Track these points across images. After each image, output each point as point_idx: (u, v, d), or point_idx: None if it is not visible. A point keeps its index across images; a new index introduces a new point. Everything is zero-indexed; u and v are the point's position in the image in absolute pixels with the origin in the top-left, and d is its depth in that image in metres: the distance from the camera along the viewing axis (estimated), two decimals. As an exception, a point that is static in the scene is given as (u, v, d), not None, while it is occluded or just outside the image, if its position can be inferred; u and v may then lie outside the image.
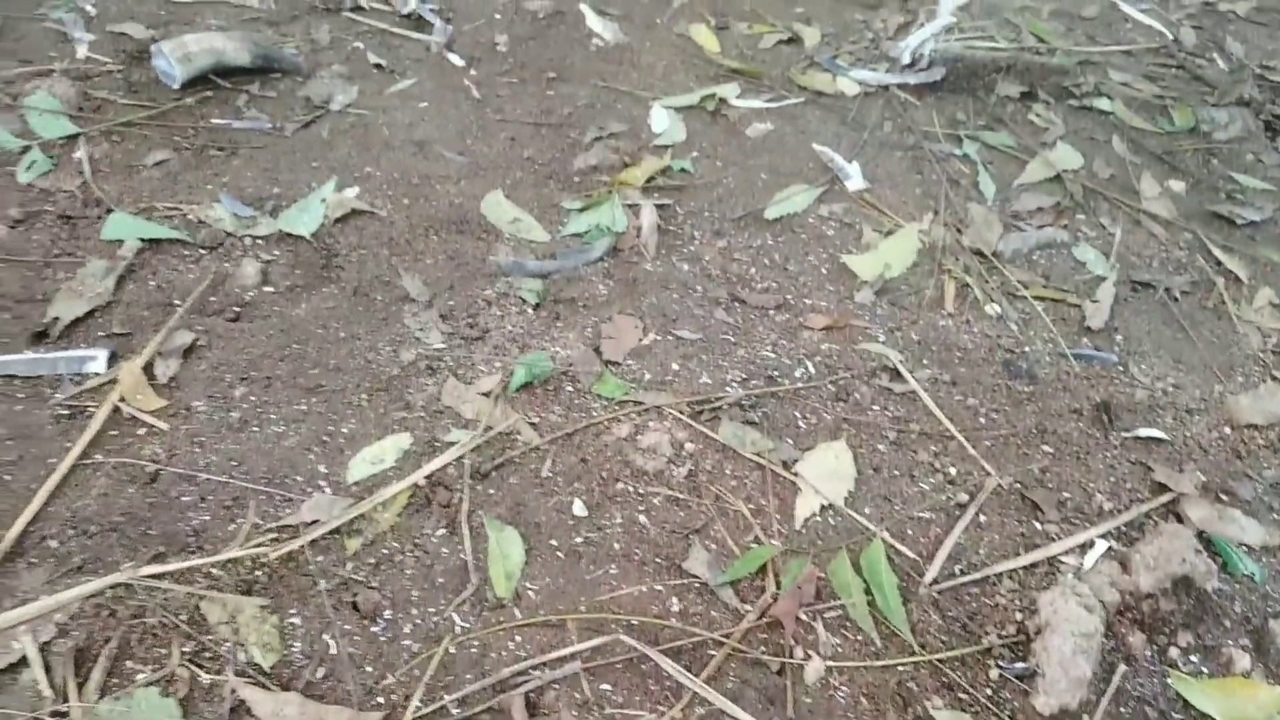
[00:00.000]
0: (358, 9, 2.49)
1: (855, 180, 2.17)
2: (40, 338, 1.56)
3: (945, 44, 2.63)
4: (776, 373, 1.69)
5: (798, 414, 1.63)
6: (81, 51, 2.18)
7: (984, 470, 1.57)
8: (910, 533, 1.46)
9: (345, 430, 1.50)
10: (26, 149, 1.91)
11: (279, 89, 2.19)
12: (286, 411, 1.51)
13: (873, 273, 1.94)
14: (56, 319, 1.58)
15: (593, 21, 2.58)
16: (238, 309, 1.66)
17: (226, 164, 1.97)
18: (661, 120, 2.28)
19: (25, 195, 1.83)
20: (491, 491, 1.43)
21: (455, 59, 2.39)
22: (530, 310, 1.75)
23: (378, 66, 2.31)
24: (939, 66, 2.52)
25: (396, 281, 1.77)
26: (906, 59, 2.57)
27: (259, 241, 1.80)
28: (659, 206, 2.01)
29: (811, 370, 1.71)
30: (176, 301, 1.66)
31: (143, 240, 1.74)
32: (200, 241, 1.77)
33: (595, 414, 1.56)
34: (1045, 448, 1.63)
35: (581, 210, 1.99)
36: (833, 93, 2.47)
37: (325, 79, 2.23)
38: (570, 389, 1.61)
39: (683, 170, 2.14)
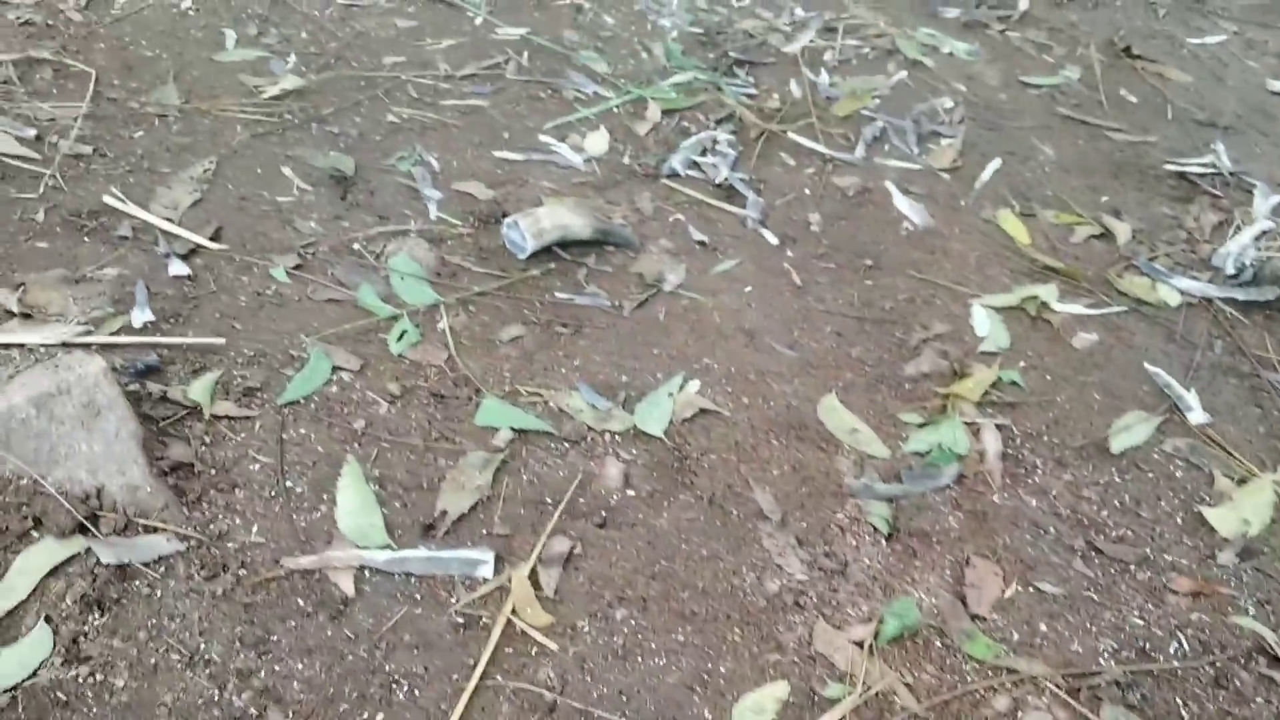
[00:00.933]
0: (674, 176, 2.55)
1: (1196, 413, 2.07)
2: (429, 530, 1.62)
3: (1268, 254, 2.51)
4: (1149, 645, 1.60)
5: (1179, 700, 1.53)
6: (433, 211, 2.30)
7: (1396, 797, 1.44)
8: None
9: (723, 669, 1.49)
10: (396, 317, 2.01)
11: (614, 263, 2.25)
12: (664, 640, 1.51)
13: (1232, 530, 1.83)
14: (445, 513, 1.64)
15: (899, 202, 2.57)
16: (604, 513, 1.69)
17: (574, 344, 2.03)
18: (983, 322, 2.23)
19: (399, 368, 1.92)
20: (878, 763, 1.39)
21: (770, 236, 2.41)
22: (883, 541, 1.72)
23: (701, 243, 2.35)
24: (1267, 284, 2.40)
25: (748, 493, 1.77)
26: (1230, 269, 2.46)
27: (616, 438, 1.83)
28: (997, 427, 1.96)
29: (1185, 646, 1.61)
30: (548, 500, 1.70)
31: (513, 429, 1.80)
32: (565, 435, 1.81)
33: (970, 679, 1.51)
34: None
35: (921, 426, 1.95)
36: (1154, 302, 2.38)
37: (654, 254, 2.29)
38: (939, 644, 1.56)
39: (1013, 383, 2.09)
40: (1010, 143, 2.94)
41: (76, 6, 2.85)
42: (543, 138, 2.63)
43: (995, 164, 2.80)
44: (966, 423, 1.97)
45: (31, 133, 2.32)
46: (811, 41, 3.28)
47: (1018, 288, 2.36)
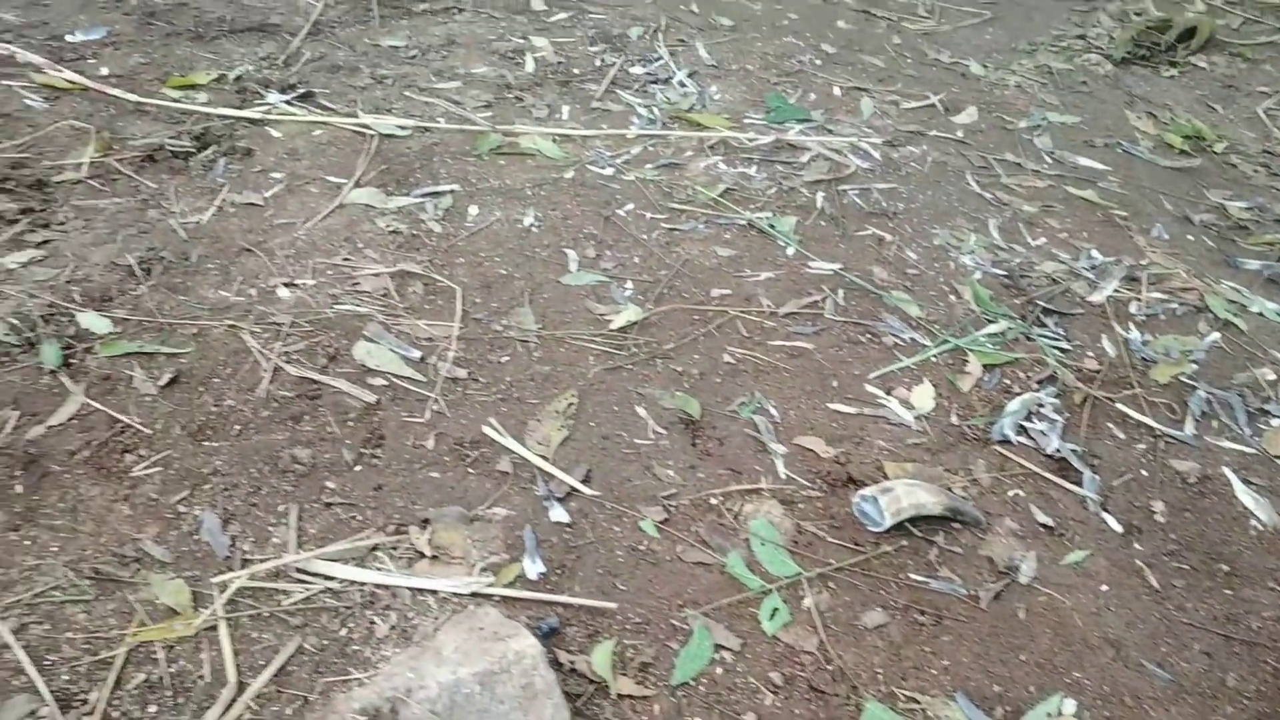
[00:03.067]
0: (1005, 442, 2.55)
1: None
2: None
3: None
4: None
5: None
6: (780, 468, 2.36)
7: None
8: None
9: None
10: (766, 591, 2.05)
11: (962, 544, 2.25)
12: None
13: None
14: (848, 838, 1.63)
15: (1242, 494, 2.49)
16: None
17: (937, 638, 2.02)
18: (1363, 656, 2.10)
19: (774, 650, 1.95)
20: None
21: (1113, 522, 2.37)
22: None
23: (1046, 527, 2.32)
24: None
25: None
26: None
27: (1003, 763, 1.79)
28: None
29: None
30: (944, 833, 1.67)
31: (900, 742, 1.79)
32: (952, 755, 1.79)
33: None
34: None
35: (1322, 786, 1.84)
36: None
37: (1002, 537, 2.27)
38: None
39: None
40: (1345, 427, 2.81)
41: (435, 217, 3.13)
42: (869, 388, 2.68)
43: (1336, 454, 2.68)
44: (1371, 788, 1.84)
45: (417, 354, 2.53)
46: (1116, 291, 3.26)
47: (1391, 615, 2.22)
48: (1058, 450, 2.56)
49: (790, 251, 3.22)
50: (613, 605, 1.97)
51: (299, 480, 2.16)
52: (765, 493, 2.30)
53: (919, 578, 2.15)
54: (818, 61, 4.78)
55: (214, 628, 1.83)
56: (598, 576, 2.05)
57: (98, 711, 1.67)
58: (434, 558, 2.02)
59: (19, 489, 2.05)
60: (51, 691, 1.69)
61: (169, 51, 4.03)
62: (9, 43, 3.86)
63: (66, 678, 1.72)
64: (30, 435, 2.18)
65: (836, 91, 4.47)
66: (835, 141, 3.96)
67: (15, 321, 2.46)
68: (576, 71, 4.31)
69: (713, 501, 2.27)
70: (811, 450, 2.45)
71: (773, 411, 2.55)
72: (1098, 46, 5.57)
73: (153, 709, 1.69)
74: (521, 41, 4.52)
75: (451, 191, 3.28)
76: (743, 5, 5.37)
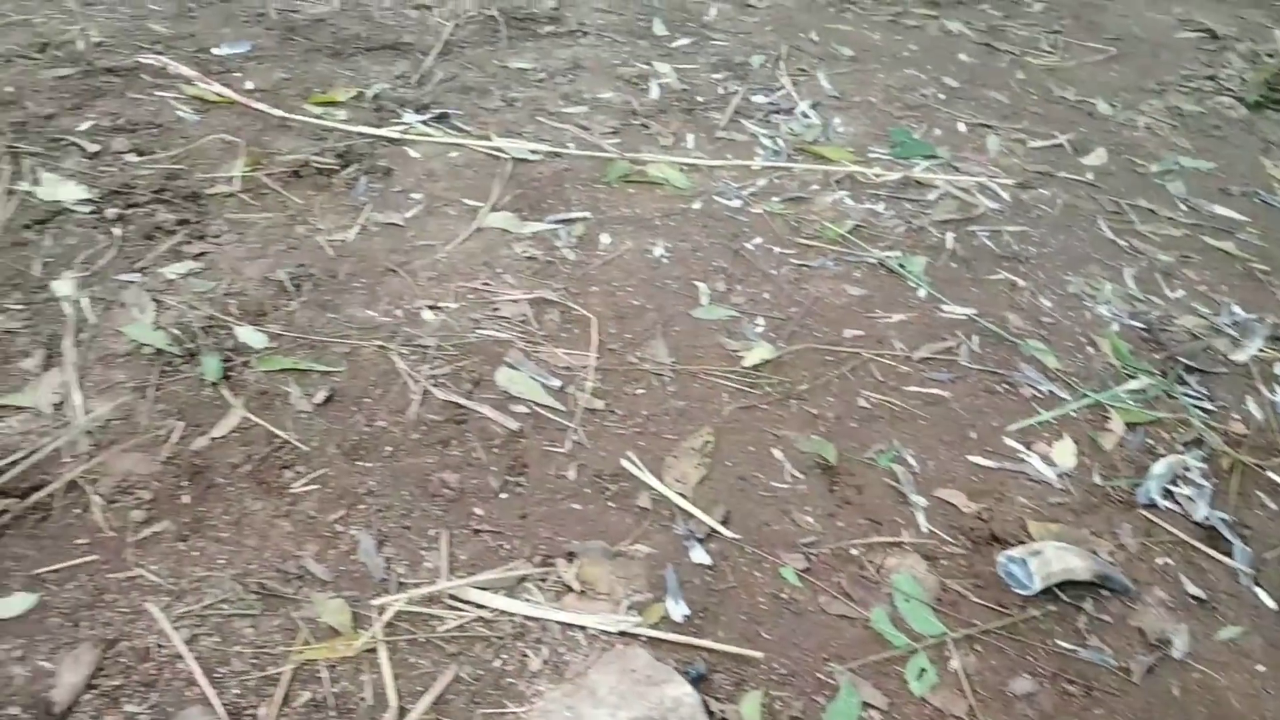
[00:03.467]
0: (1151, 505, 2.48)
1: None
2: None
3: None
4: None
5: None
6: (922, 521, 2.33)
7: None
8: None
9: None
10: (912, 650, 2.02)
11: (1111, 612, 2.19)
12: None
13: None
14: None
15: (1405, 576, 2.37)
16: None
17: (1088, 710, 1.97)
18: None
19: (922, 712, 1.92)
20: None
21: (1268, 599, 2.28)
22: None
23: (1197, 600, 2.25)
24: None
25: None
26: None
27: None
28: None
29: None
30: None
31: (1056, 820, 1.74)
32: (1110, 837, 1.74)
33: None
34: None
35: None
36: None
37: (1152, 607, 2.21)
38: None
39: None
40: None
41: (569, 244, 3.17)
42: (1009, 442, 2.63)
43: None
44: None
45: (557, 383, 2.56)
46: (1260, 351, 3.15)
47: None
48: (1206, 518, 2.48)
49: (922, 294, 3.18)
50: (759, 654, 1.96)
51: (448, 505, 2.20)
52: (907, 546, 2.28)
53: (1068, 645, 2.10)
54: (941, 95, 4.72)
55: (373, 650, 1.87)
56: (741, 622, 2.04)
57: (266, 727, 1.72)
58: (581, 592, 2.04)
59: (186, 499, 2.13)
60: (223, 705, 1.74)
61: (309, 67, 4.16)
62: (160, 54, 4.03)
63: (236, 691, 1.78)
64: (194, 446, 2.26)
65: (961, 128, 4.41)
66: (963, 180, 3.90)
67: (177, 332, 2.56)
68: (700, 99, 4.33)
69: (853, 552, 2.24)
70: (953, 504, 2.41)
71: (911, 461, 2.52)
72: (1229, 88, 5.40)
73: (318, 728, 1.74)
74: (645, 67, 4.56)
75: (583, 219, 3.31)
76: (863, 35, 5.34)
